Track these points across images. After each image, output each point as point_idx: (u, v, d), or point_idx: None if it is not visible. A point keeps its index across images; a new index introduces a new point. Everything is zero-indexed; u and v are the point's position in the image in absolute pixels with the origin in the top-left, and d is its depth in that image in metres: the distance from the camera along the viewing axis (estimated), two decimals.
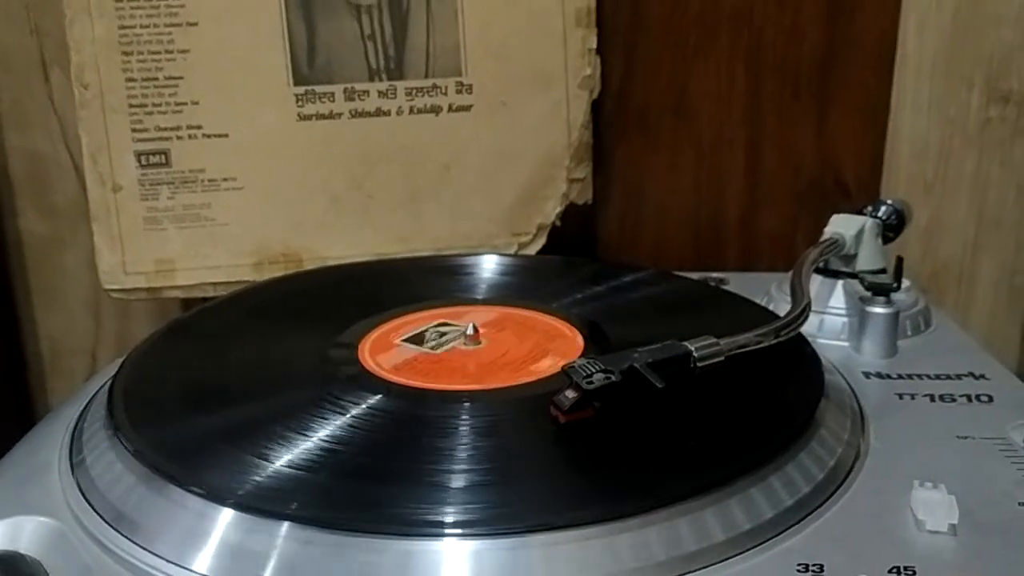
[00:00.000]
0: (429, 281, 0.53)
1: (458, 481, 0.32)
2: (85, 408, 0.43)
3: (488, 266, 0.55)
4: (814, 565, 0.31)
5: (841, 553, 0.31)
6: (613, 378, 0.35)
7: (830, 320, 0.49)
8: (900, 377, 0.45)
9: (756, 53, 0.65)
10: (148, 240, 0.58)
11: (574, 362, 0.36)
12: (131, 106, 0.57)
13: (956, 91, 0.65)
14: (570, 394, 0.36)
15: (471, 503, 0.31)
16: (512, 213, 0.61)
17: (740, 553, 0.31)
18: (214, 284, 0.59)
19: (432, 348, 0.43)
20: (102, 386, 0.44)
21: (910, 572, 0.30)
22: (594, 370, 0.35)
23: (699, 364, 0.37)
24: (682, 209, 0.68)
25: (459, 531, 0.30)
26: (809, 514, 0.33)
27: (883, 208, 0.53)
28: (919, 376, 0.45)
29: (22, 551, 0.34)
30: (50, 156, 0.68)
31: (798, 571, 0.31)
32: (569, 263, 0.57)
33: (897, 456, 0.38)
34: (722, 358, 0.38)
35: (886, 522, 0.33)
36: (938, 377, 0.45)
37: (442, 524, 0.30)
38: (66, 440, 0.40)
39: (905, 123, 0.66)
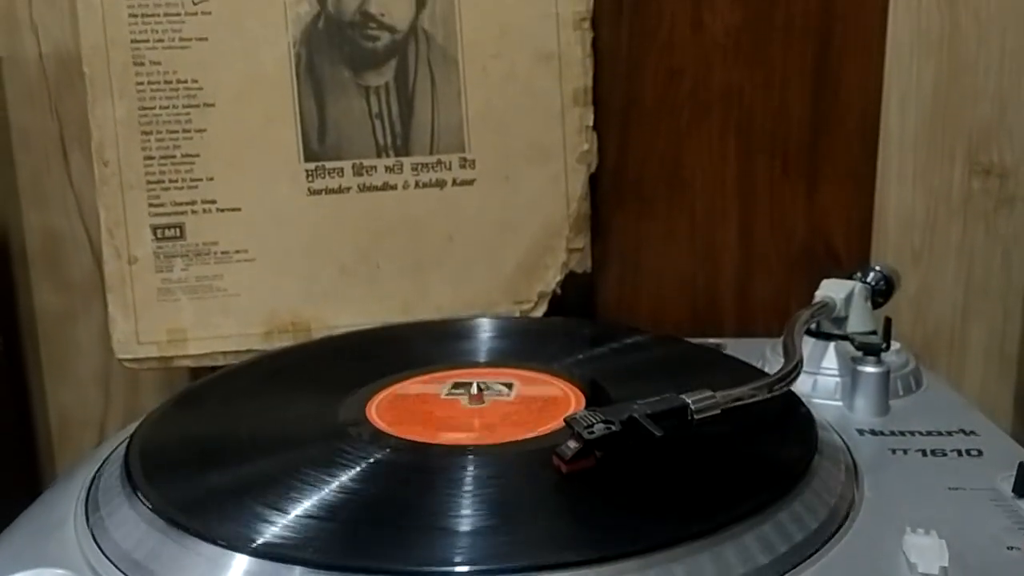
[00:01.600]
0: (434, 345, 0.55)
1: (463, 525, 0.34)
2: (99, 470, 0.44)
3: (492, 328, 0.57)
4: None
5: None
6: (613, 428, 0.37)
7: (823, 380, 0.51)
8: (893, 434, 0.46)
9: (746, 129, 0.68)
10: (161, 310, 0.60)
11: (575, 414, 0.38)
12: (149, 182, 0.60)
13: (939, 164, 0.68)
14: (572, 444, 0.37)
15: (475, 544, 0.32)
16: (514, 281, 0.63)
17: None
18: (224, 353, 0.61)
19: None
20: (115, 448, 0.45)
21: None
22: (595, 420, 0.37)
23: (696, 416, 0.39)
24: (679, 278, 0.70)
25: (465, 569, 0.31)
26: (804, 560, 0.34)
27: (872, 274, 0.55)
28: (911, 433, 0.46)
29: None
30: (66, 232, 0.70)
31: None
32: (570, 325, 0.58)
33: (890, 506, 0.39)
34: (718, 411, 0.39)
35: (880, 566, 0.34)
36: (929, 433, 0.46)
37: (448, 563, 0.31)
38: (81, 497, 0.41)
39: (891, 194, 0.69)
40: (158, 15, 0.59)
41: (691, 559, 0.33)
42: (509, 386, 0.47)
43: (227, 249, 0.61)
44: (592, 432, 0.36)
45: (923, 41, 0.66)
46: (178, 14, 0.59)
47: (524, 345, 0.55)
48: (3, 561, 0.37)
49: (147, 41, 0.59)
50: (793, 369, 0.43)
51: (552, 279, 0.64)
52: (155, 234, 0.60)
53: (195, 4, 0.59)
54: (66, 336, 0.72)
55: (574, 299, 0.66)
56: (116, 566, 0.35)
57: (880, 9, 0.66)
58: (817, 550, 0.35)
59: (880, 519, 0.38)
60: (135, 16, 0.58)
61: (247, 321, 0.61)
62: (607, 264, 0.69)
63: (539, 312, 0.63)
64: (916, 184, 0.68)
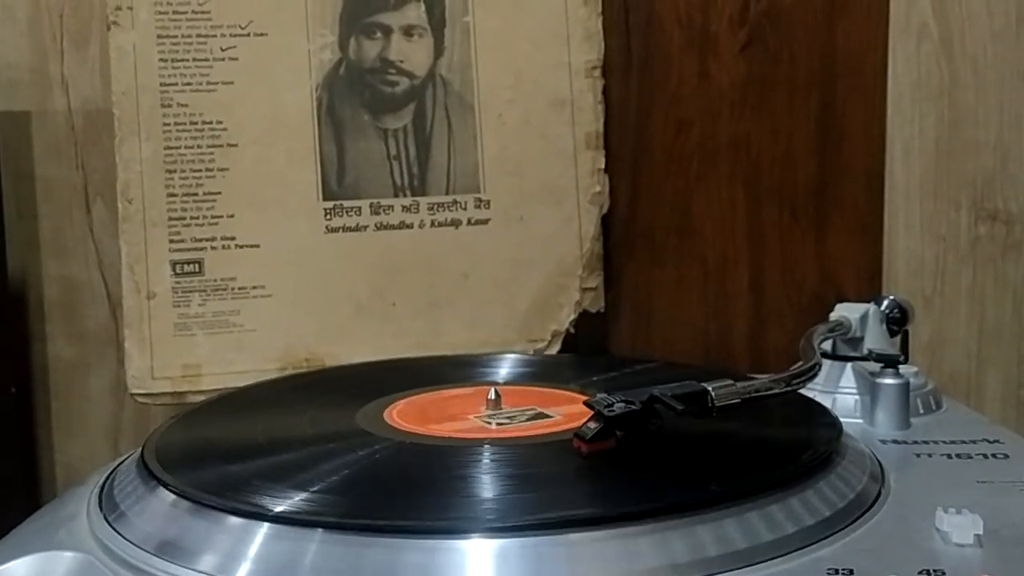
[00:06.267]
0: (452, 370, 0.55)
1: (481, 492, 0.33)
2: (110, 475, 0.43)
3: (508, 361, 0.57)
4: (844, 570, 0.31)
5: (870, 560, 0.32)
6: (634, 406, 0.36)
7: (842, 399, 0.51)
8: (916, 443, 0.46)
9: (754, 178, 0.70)
10: (177, 346, 0.60)
11: (596, 395, 0.37)
12: (171, 219, 0.61)
13: (945, 211, 0.69)
14: (592, 424, 0.37)
15: (491, 507, 0.32)
16: (527, 320, 0.63)
17: (767, 560, 0.32)
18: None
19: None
20: (125, 459, 0.45)
21: (940, 573, 0.31)
22: (615, 400, 0.37)
23: (717, 403, 0.38)
24: (691, 325, 0.70)
25: (483, 530, 0.31)
26: (835, 532, 0.34)
27: (885, 302, 0.56)
28: (935, 442, 0.46)
29: None
30: (84, 283, 0.71)
31: (828, 574, 0.31)
32: (586, 357, 0.58)
33: (919, 493, 0.38)
34: (738, 400, 0.39)
35: (913, 539, 0.34)
36: (953, 442, 0.45)
37: (461, 520, 0.31)
38: (94, 495, 0.41)
39: (899, 241, 0.69)
40: (187, 60, 0.61)
41: (716, 524, 0.32)
42: (526, 397, 0.47)
43: (244, 285, 0.61)
44: (612, 410, 0.36)
45: (923, 92, 0.68)
46: (206, 59, 0.61)
47: (542, 371, 0.55)
48: (10, 549, 0.36)
49: (175, 84, 0.61)
50: (811, 367, 0.43)
51: (566, 318, 0.64)
52: (174, 269, 0.61)
53: (223, 51, 0.62)
54: (79, 388, 0.72)
55: (587, 342, 0.66)
56: (139, 547, 0.34)
57: (880, 61, 0.68)
58: (845, 527, 0.34)
59: (910, 503, 0.37)
60: (165, 61, 0.61)
61: (262, 357, 0.61)
62: (620, 311, 0.70)
63: (552, 351, 0.63)
64: (924, 231, 0.69)
